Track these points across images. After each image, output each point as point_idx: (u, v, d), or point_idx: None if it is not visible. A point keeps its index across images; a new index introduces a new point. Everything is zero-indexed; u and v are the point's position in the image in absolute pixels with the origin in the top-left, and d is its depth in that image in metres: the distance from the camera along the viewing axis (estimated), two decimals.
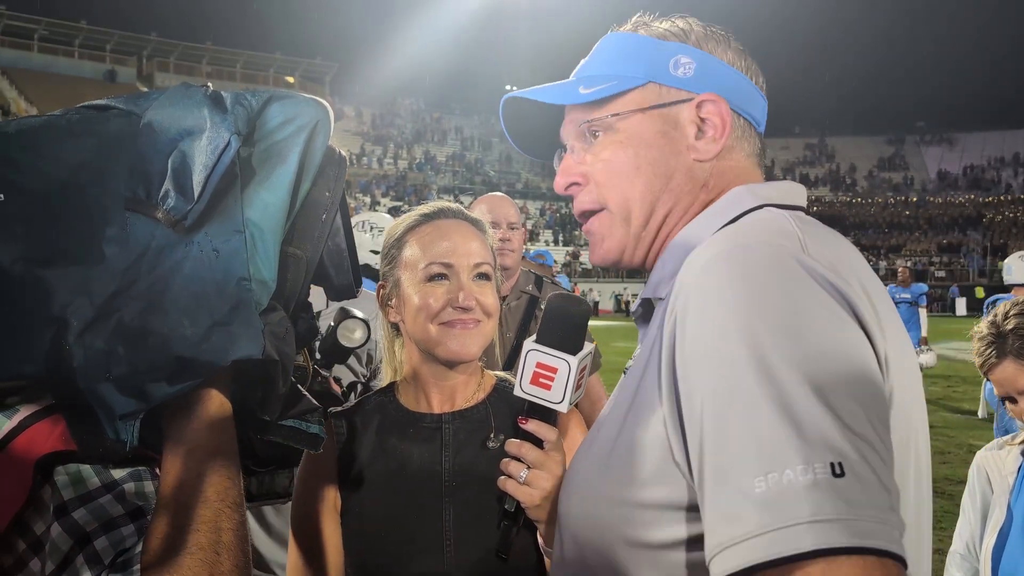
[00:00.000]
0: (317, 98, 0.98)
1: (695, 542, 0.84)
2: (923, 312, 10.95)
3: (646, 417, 0.89)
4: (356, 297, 1.10)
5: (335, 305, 2.27)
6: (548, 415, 1.23)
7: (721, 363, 0.78)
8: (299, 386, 1.01)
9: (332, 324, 2.08)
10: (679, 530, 0.85)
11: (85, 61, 59.32)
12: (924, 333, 10.92)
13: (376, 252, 4.45)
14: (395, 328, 1.54)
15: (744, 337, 0.78)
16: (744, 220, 0.96)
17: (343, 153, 1.01)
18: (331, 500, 1.47)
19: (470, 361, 1.46)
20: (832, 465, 0.71)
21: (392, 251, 1.51)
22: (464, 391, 1.50)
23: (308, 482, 1.49)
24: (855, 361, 0.79)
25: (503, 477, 1.24)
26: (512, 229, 3.04)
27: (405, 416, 1.50)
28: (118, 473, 0.89)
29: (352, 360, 2.70)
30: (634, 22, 1.10)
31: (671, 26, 1.08)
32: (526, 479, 1.21)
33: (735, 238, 0.88)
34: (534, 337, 1.23)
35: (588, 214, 1.09)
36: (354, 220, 4.60)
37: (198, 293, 0.84)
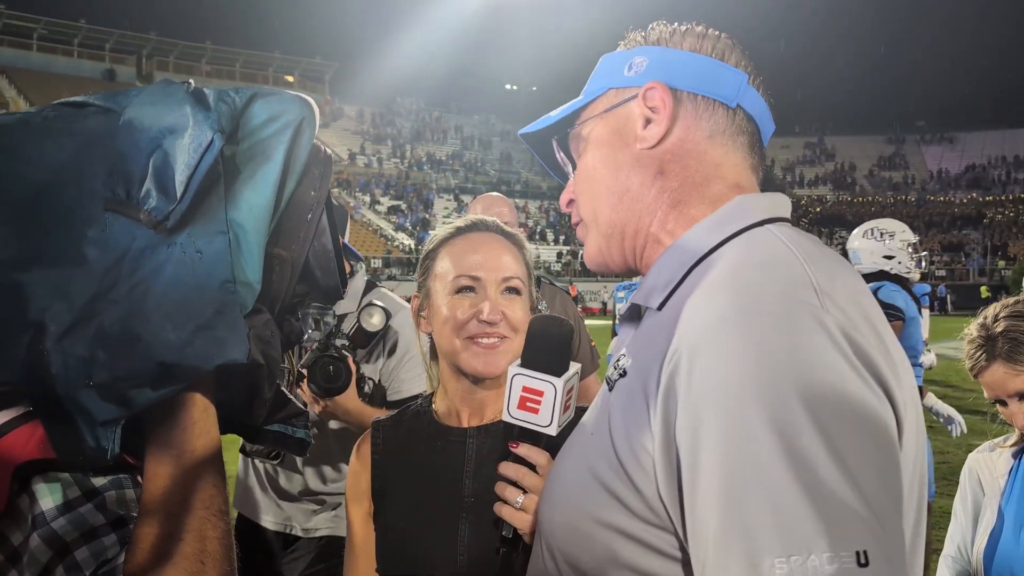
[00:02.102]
0: (302, 95, 0.96)
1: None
2: (925, 313, 10.92)
3: (637, 451, 0.86)
4: (342, 299, 1.08)
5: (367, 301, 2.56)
6: (538, 439, 1.21)
7: (738, 430, 0.74)
8: (284, 390, 0.99)
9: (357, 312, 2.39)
10: (666, 566, 0.84)
11: (84, 60, 59.32)
12: (925, 335, 10.88)
13: (889, 257, 4.47)
14: (431, 339, 1.56)
15: (765, 406, 0.74)
16: (750, 253, 0.91)
17: (328, 152, 0.99)
18: (366, 504, 1.52)
19: (496, 377, 1.44)
20: (858, 554, 0.69)
21: (427, 262, 1.53)
22: (494, 405, 1.48)
23: (351, 482, 1.54)
24: (879, 434, 0.76)
25: (498, 503, 1.21)
26: None
27: (436, 428, 1.50)
28: (99, 481, 0.86)
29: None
30: (623, 41, 1.13)
31: (637, 34, 1.11)
32: (522, 504, 1.19)
33: (748, 288, 0.83)
34: (519, 361, 1.22)
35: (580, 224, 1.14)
36: (863, 228, 4.68)
37: (181, 296, 0.82)
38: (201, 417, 0.85)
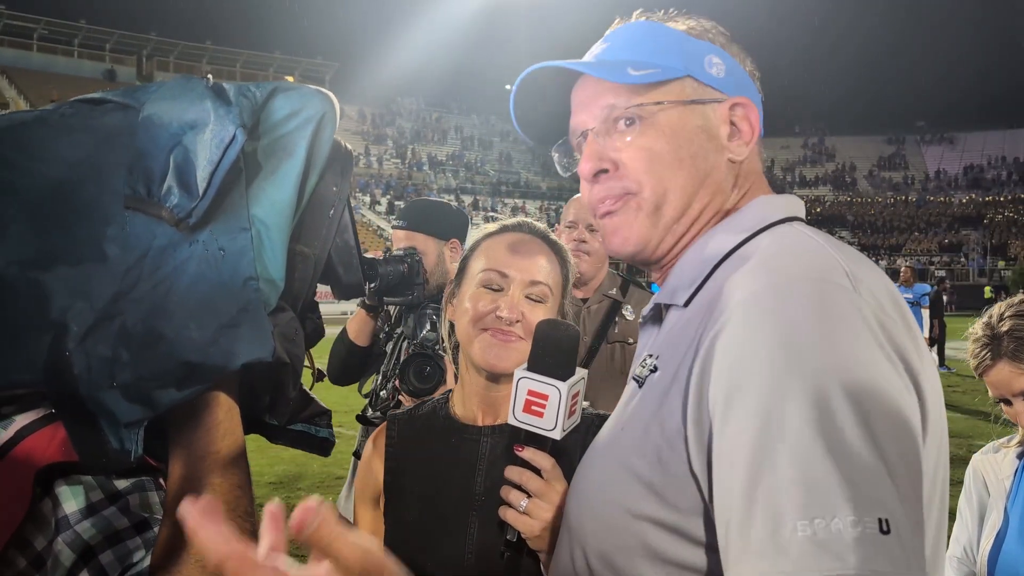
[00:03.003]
0: (323, 90, 0.94)
1: (712, 567, 0.83)
2: (926, 313, 10.96)
3: (671, 437, 0.86)
4: (365, 295, 1.06)
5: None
6: (544, 443, 1.21)
7: (769, 397, 0.76)
8: (307, 389, 0.98)
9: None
10: (700, 555, 0.84)
11: (84, 60, 59.35)
12: (926, 334, 10.93)
13: None
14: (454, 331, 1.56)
15: (799, 377, 0.75)
16: (778, 243, 0.93)
17: (349, 147, 0.98)
18: (377, 496, 1.51)
19: (508, 374, 1.42)
20: (880, 521, 0.70)
21: (468, 253, 1.54)
22: (509, 405, 1.48)
23: (362, 474, 1.54)
24: (903, 413, 0.77)
25: (503, 507, 1.21)
26: (591, 231, 2.84)
27: (451, 425, 1.50)
28: (122, 483, 0.84)
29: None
30: (660, 16, 1.10)
31: (696, 24, 1.08)
32: (526, 508, 1.18)
33: (784, 270, 0.85)
34: (525, 365, 1.22)
35: (612, 200, 1.05)
36: None
37: (204, 294, 0.80)
38: (225, 417, 0.83)
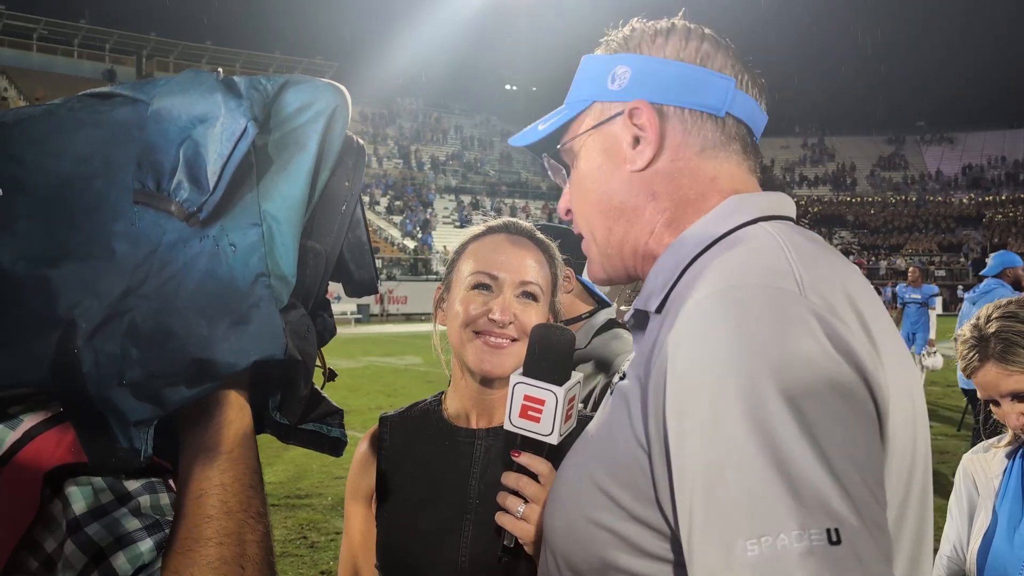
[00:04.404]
0: (335, 83, 0.92)
1: None
2: (932, 313, 10.88)
3: (633, 450, 0.86)
4: (377, 292, 1.06)
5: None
6: (540, 448, 1.20)
7: (715, 413, 0.75)
8: (319, 388, 0.96)
9: None
10: (657, 568, 0.83)
11: (84, 60, 59.31)
12: (932, 335, 10.84)
13: None
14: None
15: (739, 389, 0.74)
16: (738, 247, 0.90)
17: (361, 142, 0.96)
18: (368, 498, 1.51)
19: (503, 378, 1.42)
20: (829, 532, 0.68)
21: (455, 257, 1.53)
22: (503, 408, 1.46)
23: (354, 476, 1.54)
24: (853, 416, 0.75)
25: (500, 512, 1.20)
26: None
27: (444, 428, 1.49)
28: (132, 485, 0.83)
29: None
30: (603, 40, 1.08)
31: (619, 35, 1.06)
32: (523, 514, 1.17)
33: (728, 276, 0.84)
34: (520, 369, 1.22)
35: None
36: None
37: (215, 290, 0.79)
38: (236, 416, 0.82)
